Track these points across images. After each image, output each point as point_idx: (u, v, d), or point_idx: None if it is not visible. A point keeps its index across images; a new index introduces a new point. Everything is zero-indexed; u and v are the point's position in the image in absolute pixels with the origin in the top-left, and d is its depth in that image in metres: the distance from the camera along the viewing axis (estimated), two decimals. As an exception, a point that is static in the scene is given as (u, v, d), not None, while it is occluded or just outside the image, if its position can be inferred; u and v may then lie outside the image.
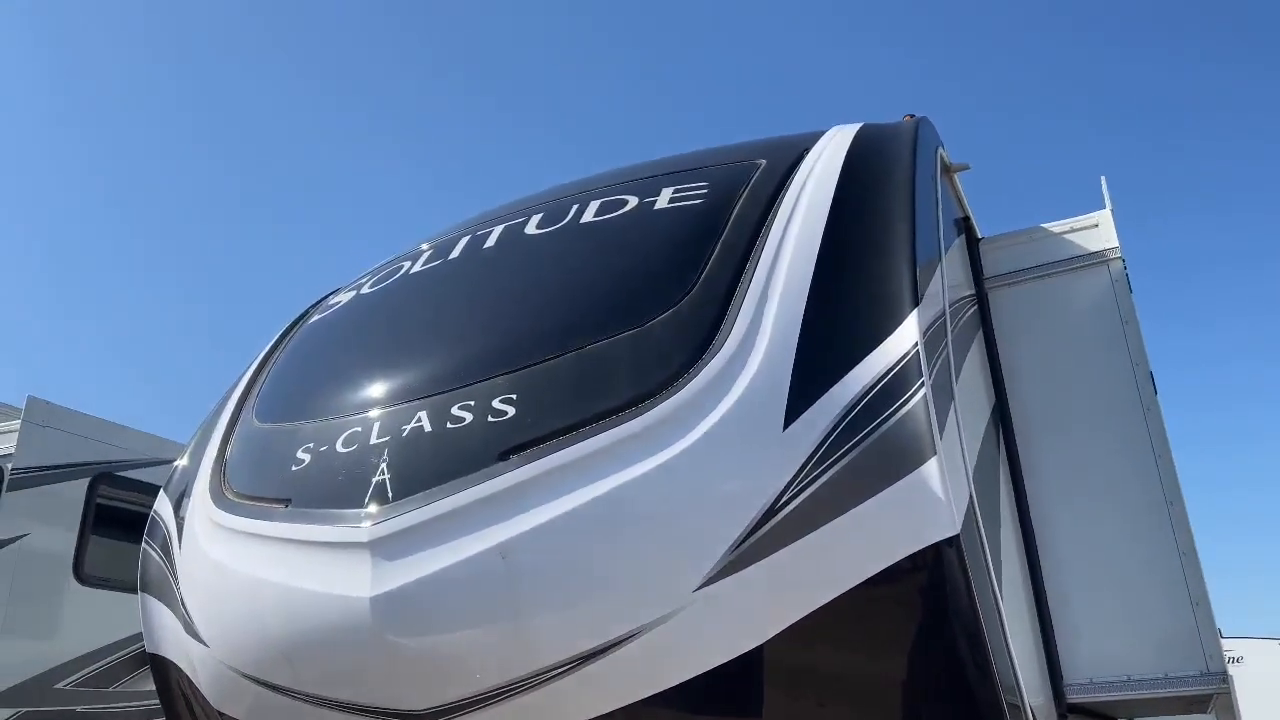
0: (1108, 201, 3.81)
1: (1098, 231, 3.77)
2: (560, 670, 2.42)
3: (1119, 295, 3.63)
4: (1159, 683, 3.21)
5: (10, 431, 5.71)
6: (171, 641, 3.23)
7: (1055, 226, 3.88)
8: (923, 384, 2.41)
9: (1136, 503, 3.37)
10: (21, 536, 5.47)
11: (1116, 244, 3.71)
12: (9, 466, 5.52)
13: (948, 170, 3.78)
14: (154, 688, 5.91)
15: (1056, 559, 3.42)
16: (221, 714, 3.05)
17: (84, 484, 5.86)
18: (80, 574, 5.77)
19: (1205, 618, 3.22)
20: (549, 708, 2.46)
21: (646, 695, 2.41)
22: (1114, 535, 3.39)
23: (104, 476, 5.98)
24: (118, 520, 6.08)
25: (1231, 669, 11.53)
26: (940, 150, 3.65)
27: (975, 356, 3.59)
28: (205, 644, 3.02)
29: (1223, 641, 11.14)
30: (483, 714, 2.51)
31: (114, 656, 5.85)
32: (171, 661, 3.26)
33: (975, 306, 3.79)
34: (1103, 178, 3.82)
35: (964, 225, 3.93)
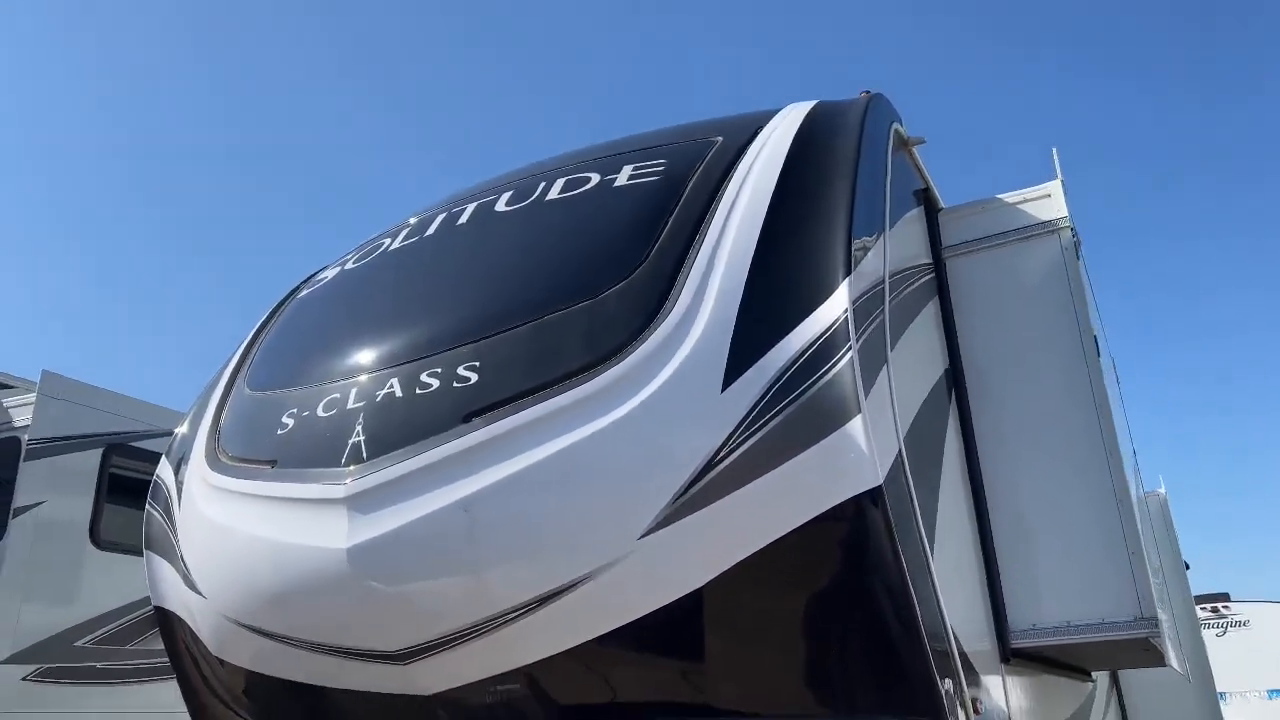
0: (1059, 172, 3.95)
1: (1049, 202, 3.91)
2: (517, 613, 2.65)
3: (1068, 262, 3.78)
4: (1096, 627, 3.41)
5: (26, 404, 5.99)
6: (173, 595, 3.48)
7: (1010, 197, 4.02)
8: (849, 349, 2.59)
9: (1079, 458, 3.55)
10: (39, 504, 5.76)
11: (1066, 214, 3.85)
12: (25, 438, 5.81)
13: (905, 144, 3.92)
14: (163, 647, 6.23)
15: (1004, 512, 3.61)
16: (221, 660, 3.31)
17: (97, 454, 6.15)
18: (96, 539, 6.07)
19: (1140, 566, 3.40)
20: (508, 647, 2.69)
21: (596, 635, 2.64)
22: (1058, 489, 3.57)
23: (116, 447, 6.26)
24: (130, 488, 6.37)
25: (1237, 632, 11.76)
26: (896, 126, 3.80)
27: (929, 320, 3.76)
28: (203, 596, 3.27)
29: (1231, 605, 11.27)
30: (450, 653, 2.75)
31: (130, 616, 6.16)
32: (174, 614, 3.51)
33: (933, 274, 3.95)
34: (1054, 149, 3.96)
35: (923, 196, 4.08)
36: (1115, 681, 7.52)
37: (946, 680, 2.63)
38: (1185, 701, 7.95)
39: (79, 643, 5.83)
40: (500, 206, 3.53)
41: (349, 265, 3.85)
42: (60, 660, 5.71)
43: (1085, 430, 3.55)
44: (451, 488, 2.71)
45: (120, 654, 6.08)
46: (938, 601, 2.72)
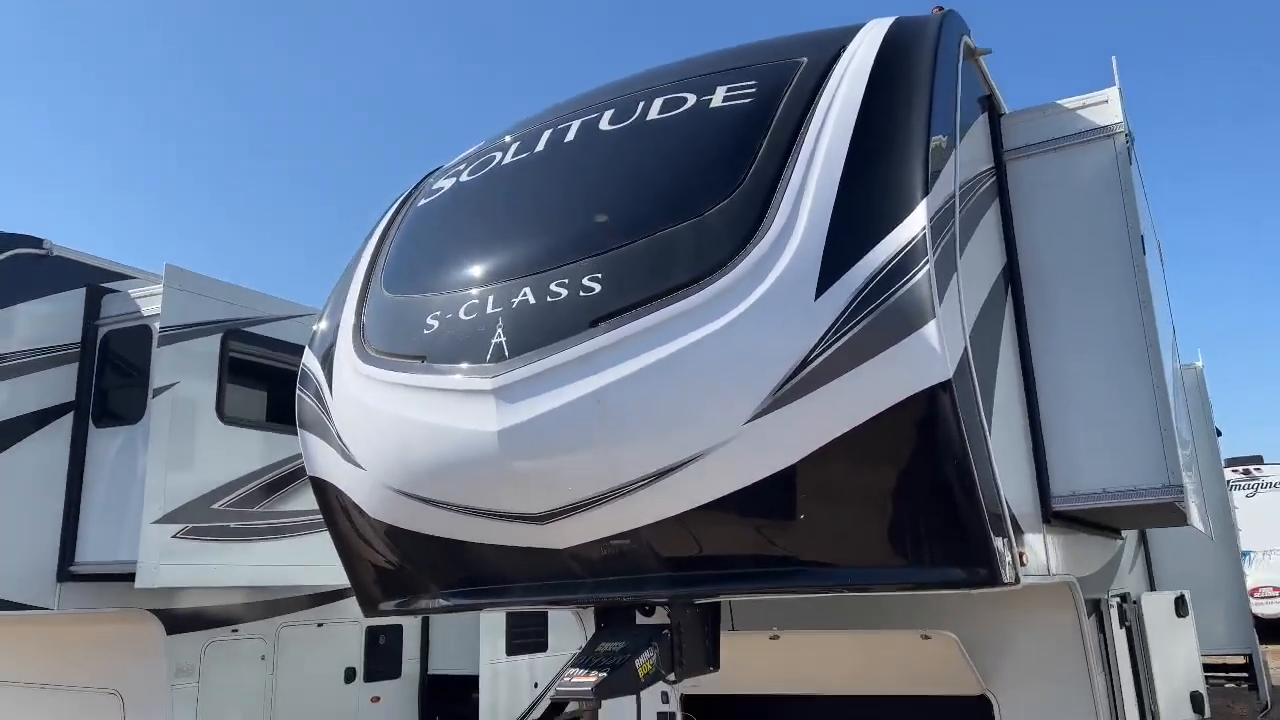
0: (1116, 80, 4.21)
1: (1106, 108, 4.18)
2: (640, 484, 3.21)
3: (1120, 166, 4.09)
4: (1129, 493, 3.91)
5: (152, 295, 6.59)
6: (331, 467, 4.08)
7: (1069, 103, 4.30)
8: (926, 262, 3.02)
9: (1120, 347, 3.96)
10: (173, 385, 6.44)
11: (1122, 119, 4.13)
12: (156, 325, 6.43)
13: (973, 54, 4.19)
14: (286, 508, 7.05)
15: (1051, 393, 4.06)
16: (378, 520, 3.93)
17: (217, 339, 6.78)
18: (221, 414, 6.77)
19: (1170, 440, 3.87)
20: (630, 511, 3.26)
21: (705, 502, 3.19)
22: (1100, 373, 4.00)
23: (233, 332, 6.89)
24: (246, 369, 7.05)
25: (1267, 493, 12.40)
26: (965, 38, 4.07)
27: (990, 222, 4.12)
28: (363, 468, 3.87)
29: (1263, 467, 11.90)
30: (582, 515, 3.33)
31: (253, 483, 6.93)
32: (331, 483, 4.13)
33: (994, 178, 4.29)
34: (1113, 58, 4.20)
35: (987, 103, 4.37)
36: (1143, 539, 8.12)
37: (1000, 538, 3.16)
38: (1208, 558, 8.55)
39: (215, 505, 6.61)
40: (604, 125, 3.90)
41: (464, 178, 4.27)
42: (201, 520, 6.50)
43: (1127, 323, 3.96)
44: (584, 381, 3.23)
45: (248, 515, 6.87)
46: (994, 474, 3.22)
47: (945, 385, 2.98)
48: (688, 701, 5.50)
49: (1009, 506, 3.34)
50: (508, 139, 4.31)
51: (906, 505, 3.16)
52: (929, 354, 2.97)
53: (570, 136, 3.98)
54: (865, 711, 5.26)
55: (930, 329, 2.97)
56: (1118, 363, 3.97)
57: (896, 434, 3.07)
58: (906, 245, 3.05)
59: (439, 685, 9.26)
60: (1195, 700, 6.59)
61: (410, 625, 9.14)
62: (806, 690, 5.28)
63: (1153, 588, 8.07)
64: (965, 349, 3.16)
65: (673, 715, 5.53)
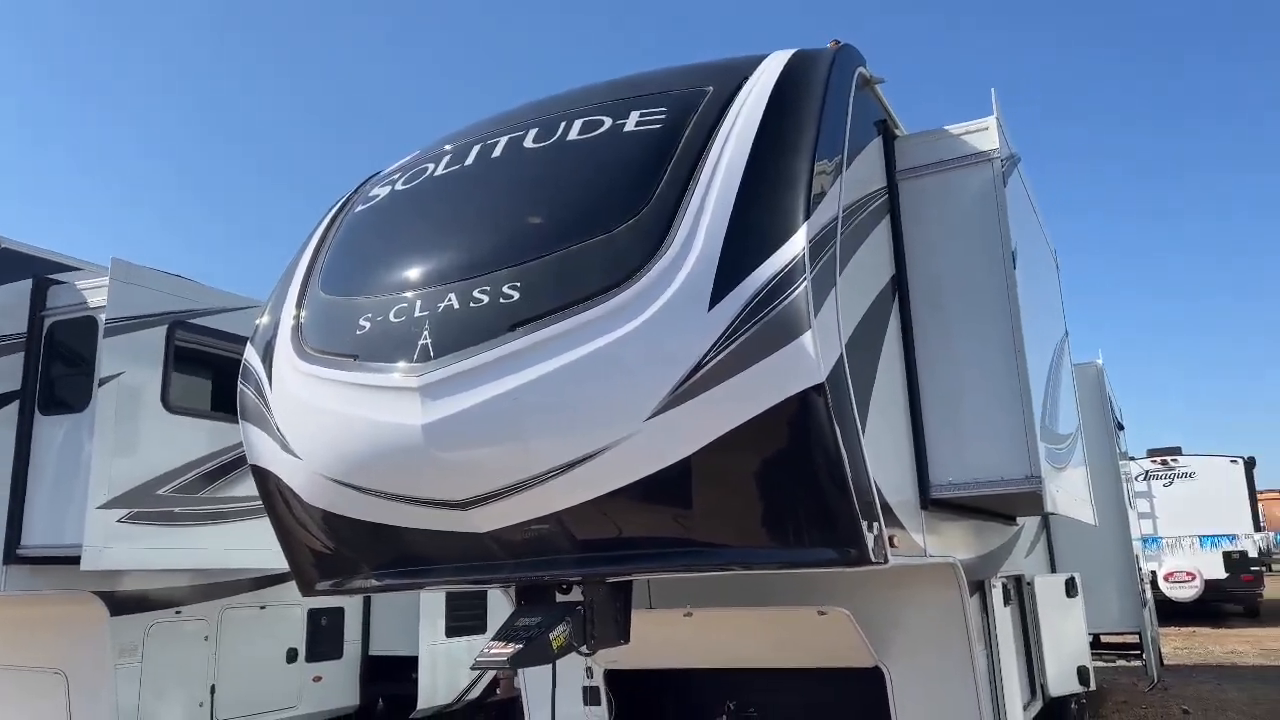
0: (995, 110, 4.65)
1: (986, 134, 4.63)
2: (552, 474, 3.57)
3: (996, 188, 4.54)
4: (996, 483, 4.38)
5: (98, 287, 6.78)
6: (270, 456, 4.38)
7: (955, 129, 4.73)
8: (804, 279, 3.41)
9: (992, 354, 4.42)
10: (119, 374, 6.65)
11: (999, 145, 4.58)
12: (103, 318, 6.64)
13: (868, 82, 4.60)
14: (230, 494, 7.29)
15: (932, 396, 4.50)
16: (314, 506, 4.24)
17: (163, 330, 7.00)
18: (167, 403, 7.00)
19: (1032, 438, 4.33)
20: (544, 498, 3.62)
21: (612, 489, 3.56)
22: (975, 378, 4.45)
23: (178, 323, 7.11)
24: (190, 359, 7.27)
25: (1183, 483, 13.30)
26: (861, 69, 4.47)
27: (881, 236, 4.54)
28: (299, 458, 4.18)
29: (1180, 458, 12.78)
30: (500, 502, 3.68)
31: (197, 470, 7.17)
32: (270, 472, 4.42)
33: (887, 196, 4.71)
34: (992, 90, 4.63)
35: (883, 126, 4.78)
36: (1046, 526, 8.70)
37: (869, 523, 3.56)
38: (1104, 543, 9.17)
39: (159, 491, 6.84)
40: (529, 143, 4.25)
41: (399, 186, 4.58)
42: (145, 505, 6.73)
43: (998, 331, 4.42)
44: (502, 381, 3.59)
45: (191, 500, 7.11)
46: (866, 465, 3.62)
47: (819, 388, 3.38)
48: (610, 676, 5.89)
49: (882, 494, 3.75)
50: (440, 151, 4.63)
51: (787, 493, 3.56)
52: (804, 360, 3.37)
53: (497, 152, 4.31)
54: (771, 682, 5.71)
55: (806, 339, 3.37)
56: (989, 367, 4.42)
57: (777, 430, 3.47)
58: (788, 264, 3.45)
59: (380, 666, 9.56)
60: (1081, 674, 7.16)
61: (352, 607, 9.42)
62: (718, 664, 5.70)
63: (1054, 570, 8.65)
64: (841, 356, 3.56)
65: (596, 689, 5.92)
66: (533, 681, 5.89)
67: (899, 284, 4.61)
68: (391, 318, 3.91)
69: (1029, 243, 5.10)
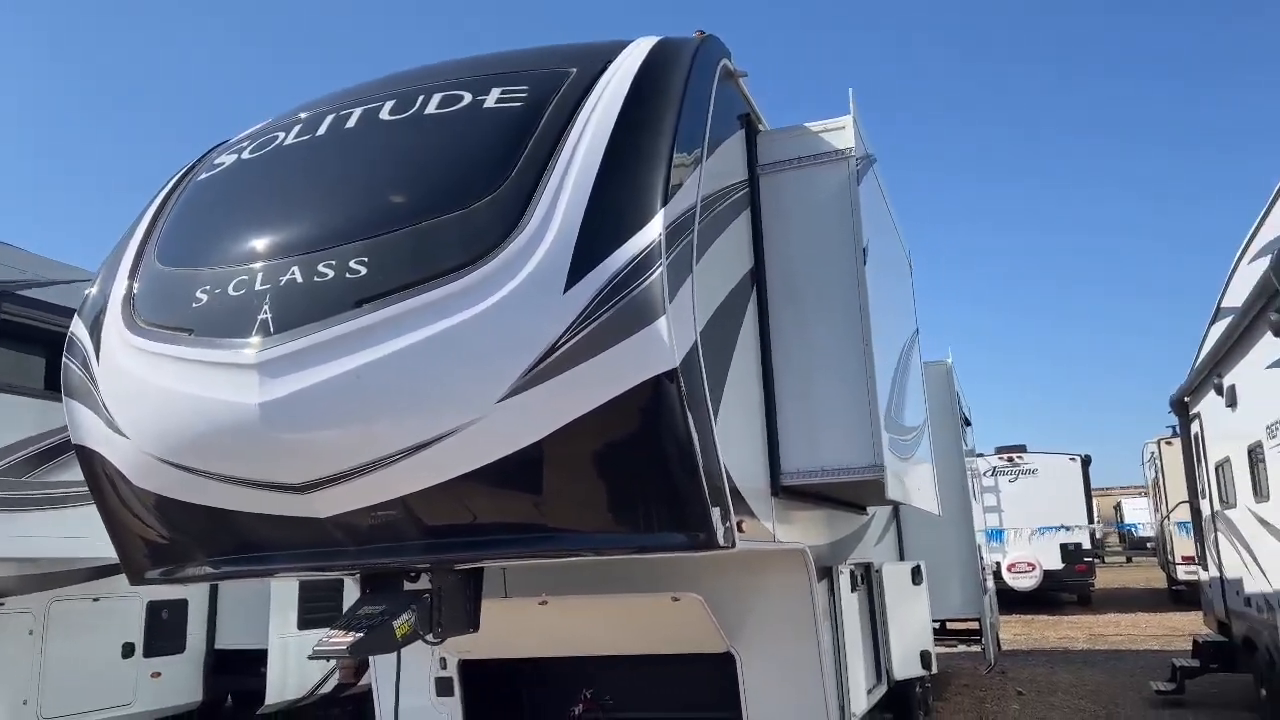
0: (852, 110, 4.77)
1: (842, 133, 4.75)
2: (397, 457, 3.46)
3: (850, 186, 4.67)
4: (842, 471, 4.51)
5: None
6: (96, 435, 4.10)
7: (814, 126, 4.84)
8: (660, 265, 3.41)
9: (841, 347, 4.54)
10: (-68, 347, 6.12)
11: (854, 144, 4.71)
12: None
13: (732, 75, 4.65)
14: (61, 478, 6.82)
15: (785, 386, 4.59)
16: (143, 489, 4.00)
17: (-17, 301, 6.48)
18: (-13, 380, 6.48)
19: (877, 429, 4.48)
20: (389, 482, 3.51)
21: (461, 473, 3.48)
22: (825, 369, 4.56)
23: (3, 295, 6.59)
24: (18, 333, 6.74)
25: (1026, 479, 14.10)
26: (725, 61, 4.51)
27: (740, 228, 4.59)
28: (127, 437, 3.93)
29: (1025, 455, 13.55)
30: (342, 486, 3.55)
31: (23, 452, 6.66)
32: (96, 451, 4.14)
33: (748, 189, 4.77)
34: (850, 90, 4.77)
35: (746, 120, 4.84)
36: (896, 516, 9.06)
37: (718, 509, 3.60)
38: (950, 536, 9.64)
39: (-20, 474, 6.33)
40: (385, 115, 4.10)
41: (246, 155, 4.35)
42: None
43: (847, 324, 4.54)
44: (345, 360, 3.45)
45: (16, 484, 6.60)
46: (717, 452, 3.65)
47: (671, 374, 3.39)
48: (464, 666, 5.79)
49: (732, 480, 3.79)
50: (293, 119, 4.42)
51: (638, 479, 3.55)
52: (658, 346, 3.37)
53: (351, 123, 4.15)
54: (627, 670, 5.73)
55: (660, 324, 3.37)
56: (838, 359, 4.54)
57: (630, 415, 3.46)
58: (644, 249, 3.44)
59: (227, 660, 9.16)
60: (924, 658, 7.49)
61: (197, 599, 8.99)
62: (574, 652, 5.68)
63: (902, 559, 9.01)
64: (695, 343, 3.57)
65: (449, 680, 5.81)
66: (383, 672, 5.73)
67: (758, 276, 4.67)
68: (230, 291, 3.71)
69: (881, 241, 5.27)
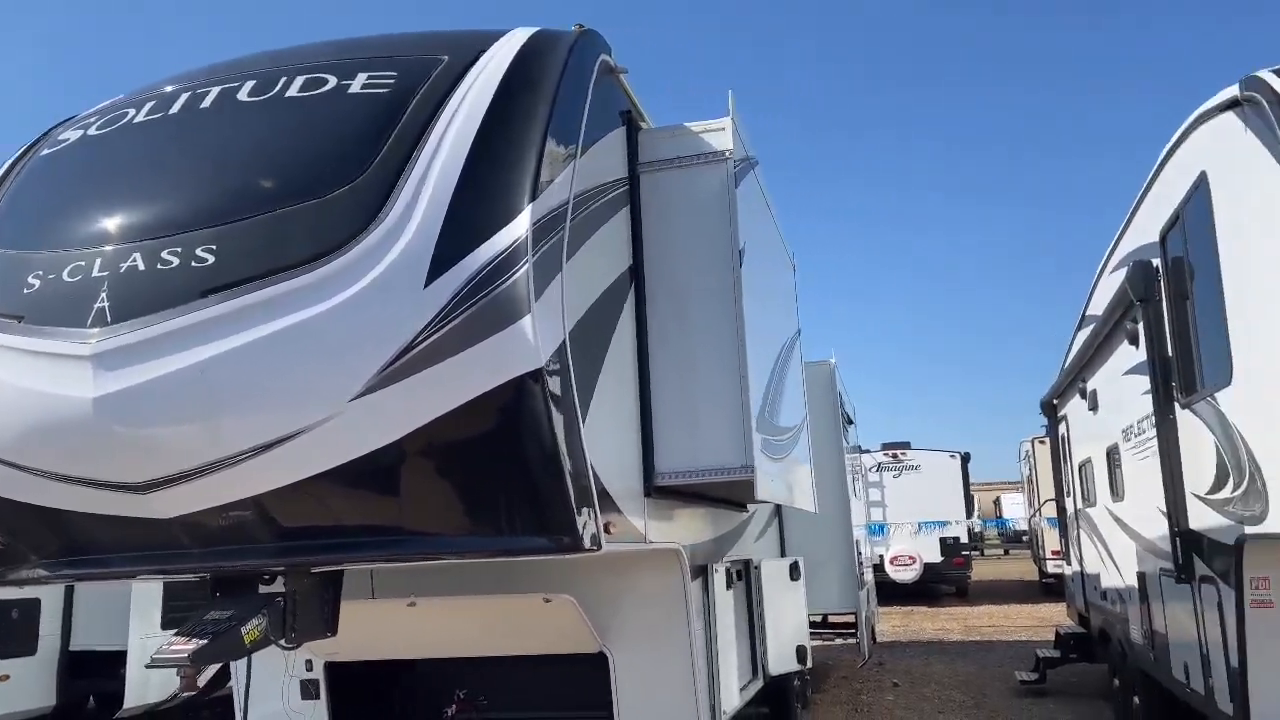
0: (731, 111, 4.79)
1: (721, 135, 4.76)
2: (246, 455, 3.30)
3: (728, 188, 4.68)
4: (715, 471, 4.52)
5: None
6: (-84, 429, 3.79)
7: (695, 126, 4.83)
8: (526, 262, 3.33)
9: (715, 349, 4.55)
10: None
11: (732, 146, 4.72)
12: None
13: (612, 71, 4.59)
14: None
15: (660, 386, 4.58)
16: None
17: None
18: None
19: (749, 429, 4.51)
20: (237, 481, 3.34)
21: (311, 474, 3.34)
22: (699, 371, 4.56)
23: None
24: None
25: (910, 475, 14.42)
26: (605, 56, 4.45)
27: (618, 226, 4.54)
28: (-52, 431, 3.64)
29: (909, 452, 13.90)
30: (186, 485, 3.36)
31: None
32: (-85, 445, 3.82)
33: (628, 186, 4.73)
34: (729, 92, 4.78)
35: (627, 117, 4.80)
36: (779, 514, 9.19)
37: (585, 510, 3.55)
38: (829, 532, 9.85)
39: None
40: (243, 95, 3.90)
41: (92, 131, 4.08)
42: None
43: (722, 326, 4.55)
44: (189, 352, 3.27)
45: None
46: (584, 453, 3.60)
47: (536, 374, 3.32)
48: (332, 668, 5.60)
49: (600, 482, 3.75)
50: (144, 96, 4.17)
51: (501, 480, 3.47)
52: (523, 345, 3.29)
53: (207, 103, 3.94)
54: (499, 671, 5.64)
55: (525, 323, 3.30)
56: (712, 360, 4.55)
57: (493, 416, 3.37)
58: (510, 246, 3.35)
59: (85, 661, 8.69)
60: (800, 653, 7.61)
61: (50, 598, 8.50)
62: (445, 653, 5.56)
63: (784, 555, 9.15)
64: (564, 342, 3.51)
65: (316, 683, 5.61)
66: (243, 676, 5.50)
67: (637, 274, 4.64)
68: (65, 276, 3.47)
69: (760, 243, 5.30)
